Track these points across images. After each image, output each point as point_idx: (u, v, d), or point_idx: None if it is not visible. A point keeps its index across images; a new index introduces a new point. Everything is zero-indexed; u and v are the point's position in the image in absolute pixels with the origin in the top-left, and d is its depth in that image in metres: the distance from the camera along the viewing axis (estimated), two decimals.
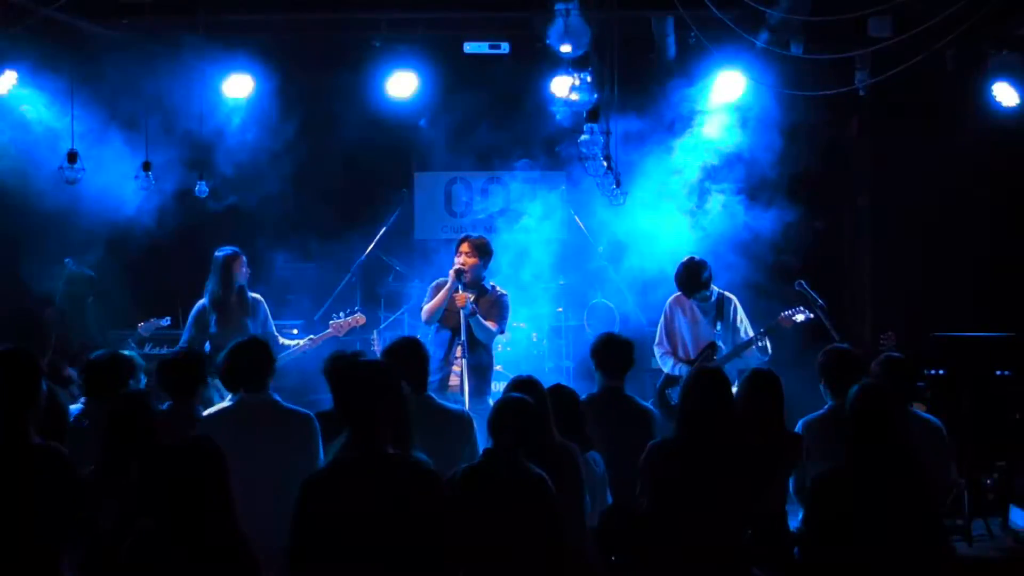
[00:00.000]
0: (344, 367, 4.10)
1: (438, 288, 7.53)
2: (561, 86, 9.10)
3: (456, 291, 7.29)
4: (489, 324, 7.37)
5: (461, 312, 7.23)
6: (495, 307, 7.48)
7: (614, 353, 5.93)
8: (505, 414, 4.33)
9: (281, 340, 7.70)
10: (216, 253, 7.69)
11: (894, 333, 8.05)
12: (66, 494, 4.17)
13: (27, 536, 4.10)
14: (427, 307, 7.47)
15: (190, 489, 3.80)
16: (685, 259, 7.89)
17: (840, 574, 4.40)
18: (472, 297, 7.29)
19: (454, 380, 7.16)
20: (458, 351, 7.17)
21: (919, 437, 5.46)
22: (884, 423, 4.45)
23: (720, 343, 7.77)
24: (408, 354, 5.25)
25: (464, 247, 7.51)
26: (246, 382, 5.11)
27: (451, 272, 7.42)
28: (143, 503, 3.96)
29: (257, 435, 4.87)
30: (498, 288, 7.65)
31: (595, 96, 6.84)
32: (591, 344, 6.06)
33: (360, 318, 7.90)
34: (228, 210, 9.26)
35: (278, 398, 5.12)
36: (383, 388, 3.93)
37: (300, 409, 5.12)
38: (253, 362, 5.11)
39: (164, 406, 5.36)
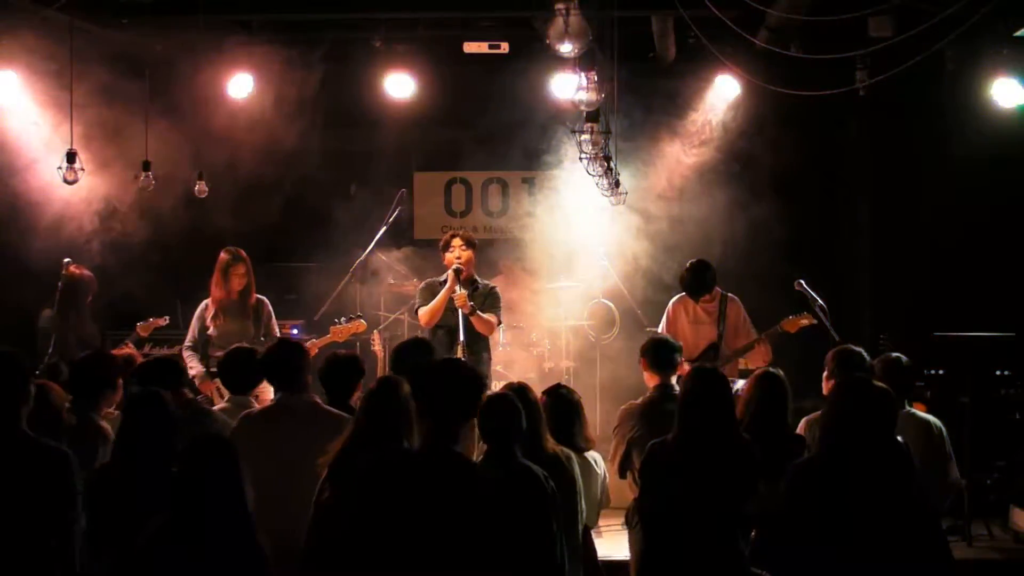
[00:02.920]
0: (444, 365, 4.10)
1: (430, 289, 7.54)
2: (563, 86, 9.11)
3: (456, 290, 7.32)
4: (489, 317, 7.41)
5: (460, 311, 7.25)
6: (489, 299, 7.54)
7: (666, 353, 5.99)
8: (488, 415, 4.27)
9: None
10: (221, 254, 7.73)
11: (894, 333, 8.06)
12: (58, 493, 4.16)
13: (16, 532, 4.10)
14: (427, 310, 7.45)
15: (201, 486, 3.80)
16: (690, 262, 7.96)
17: (808, 558, 4.36)
18: (469, 300, 7.32)
19: None
20: (459, 350, 7.18)
21: (919, 437, 5.47)
22: (868, 417, 4.35)
23: (722, 344, 7.81)
24: (417, 355, 5.26)
25: (456, 242, 7.53)
26: (283, 382, 5.12)
27: (450, 271, 7.43)
28: (155, 500, 3.97)
29: (294, 434, 4.87)
30: (487, 282, 7.75)
31: (601, 96, 6.83)
32: (642, 346, 6.11)
33: (361, 324, 7.93)
34: (228, 210, 9.25)
35: (317, 399, 5.12)
36: (477, 389, 4.00)
37: (337, 411, 5.08)
38: (290, 362, 5.13)
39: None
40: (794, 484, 4.37)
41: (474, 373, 4.14)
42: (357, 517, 3.83)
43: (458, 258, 7.49)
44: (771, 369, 5.35)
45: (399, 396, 4.38)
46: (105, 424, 5.19)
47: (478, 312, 7.31)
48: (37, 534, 4.12)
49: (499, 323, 7.65)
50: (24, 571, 4.12)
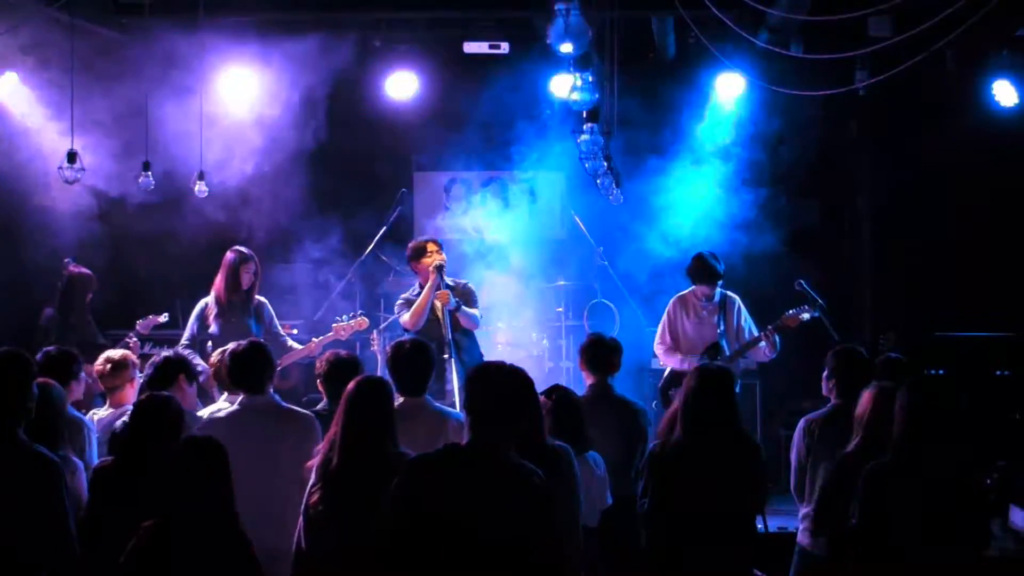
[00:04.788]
0: (498, 369, 4.05)
1: (408, 300, 7.62)
2: (562, 86, 9.12)
3: (439, 288, 7.41)
4: (472, 311, 7.58)
5: (444, 311, 7.33)
6: (467, 295, 7.68)
7: (603, 353, 5.98)
8: (477, 391, 3.91)
9: (289, 343, 7.72)
10: (228, 253, 7.70)
11: (894, 333, 8.05)
12: (47, 503, 4.15)
13: (7, 538, 4.10)
14: (412, 312, 7.51)
15: (191, 489, 3.78)
16: (698, 252, 7.94)
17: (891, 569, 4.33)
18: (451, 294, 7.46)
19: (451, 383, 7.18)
20: (447, 351, 7.24)
21: None
22: (941, 420, 4.34)
23: (724, 343, 7.80)
24: (414, 357, 5.27)
25: (432, 247, 7.65)
26: (247, 384, 5.12)
27: (432, 269, 7.49)
28: (147, 502, 3.95)
29: (260, 436, 4.89)
30: (460, 280, 7.84)
31: (596, 96, 6.83)
32: (580, 345, 6.11)
33: (363, 321, 7.94)
34: (227, 210, 9.25)
35: (277, 399, 5.15)
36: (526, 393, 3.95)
37: (300, 409, 5.15)
38: (254, 365, 5.12)
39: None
40: (871, 489, 4.32)
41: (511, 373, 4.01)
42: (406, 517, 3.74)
43: (440, 260, 7.57)
44: (711, 365, 5.20)
45: (381, 397, 4.38)
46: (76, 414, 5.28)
47: (462, 307, 7.41)
48: (28, 541, 4.11)
49: (480, 315, 7.78)
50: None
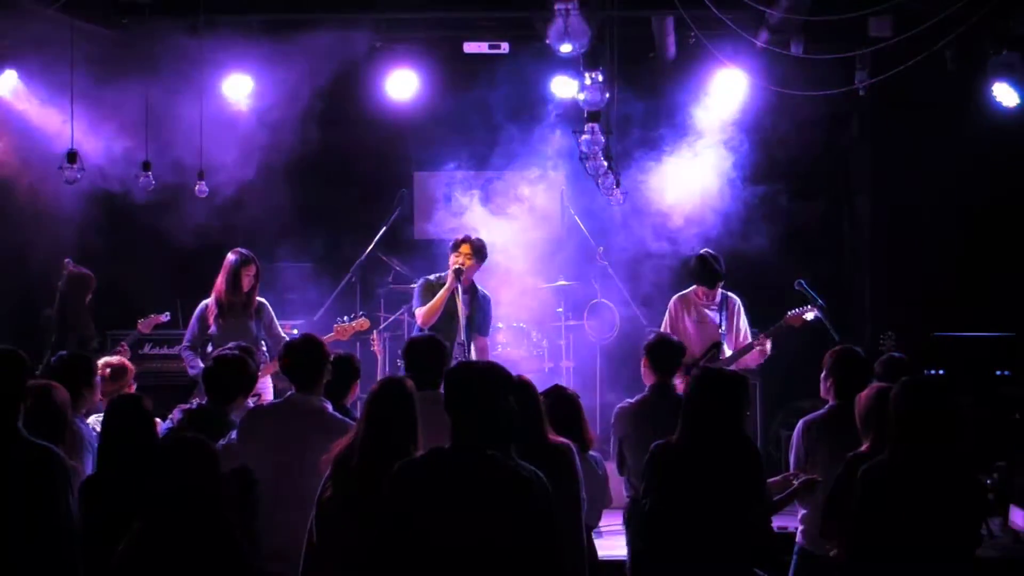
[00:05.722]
0: (468, 367, 3.98)
1: (429, 289, 7.58)
2: (562, 85, 9.13)
3: (456, 290, 7.38)
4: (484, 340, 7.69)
5: (461, 316, 7.33)
6: (482, 310, 7.67)
7: (669, 353, 5.97)
8: (450, 391, 3.84)
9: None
10: (229, 255, 7.69)
11: (894, 333, 8.06)
12: (49, 494, 4.15)
13: (7, 529, 4.11)
14: (425, 309, 7.48)
15: (181, 490, 3.76)
16: (700, 252, 7.93)
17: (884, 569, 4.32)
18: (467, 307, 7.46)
19: None
20: (458, 352, 7.23)
21: None
22: (935, 420, 4.30)
23: (724, 343, 7.80)
24: (429, 350, 5.30)
25: (465, 248, 7.57)
26: (295, 379, 5.08)
27: (450, 272, 7.47)
28: (136, 504, 3.94)
29: (294, 434, 4.84)
30: (483, 289, 7.81)
31: (606, 95, 6.81)
32: (646, 343, 6.06)
33: (364, 323, 7.95)
34: (227, 210, 9.26)
35: (325, 403, 5.04)
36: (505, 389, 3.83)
37: (344, 419, 4.98)
38: (301, 362, 5.08)
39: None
40: (867, 489, 4.30)
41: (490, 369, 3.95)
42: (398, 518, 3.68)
43: (461, 263, 7.54)
44: (713, 368, 5.19)
45: (405, 399, 4.36)
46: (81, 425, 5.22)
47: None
48: (28, 532, 4.12)
49: (486, 335, 7.83)
50: (17, 570, 4.12)
